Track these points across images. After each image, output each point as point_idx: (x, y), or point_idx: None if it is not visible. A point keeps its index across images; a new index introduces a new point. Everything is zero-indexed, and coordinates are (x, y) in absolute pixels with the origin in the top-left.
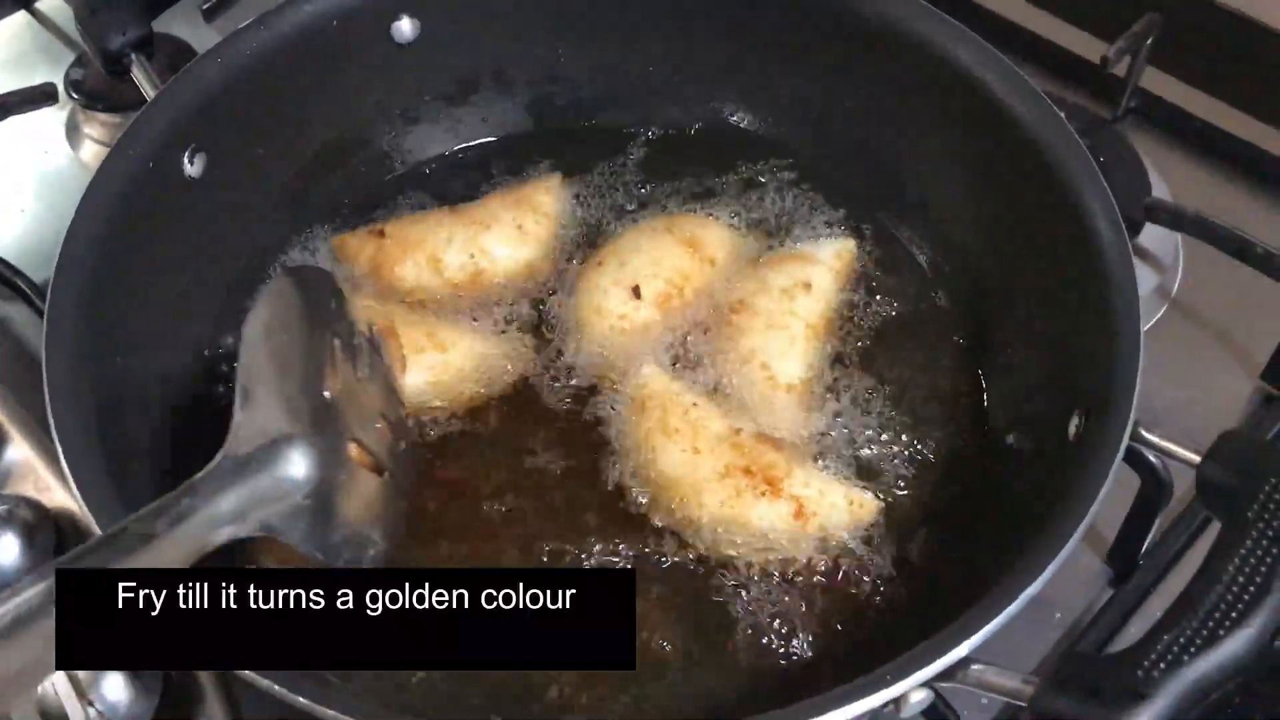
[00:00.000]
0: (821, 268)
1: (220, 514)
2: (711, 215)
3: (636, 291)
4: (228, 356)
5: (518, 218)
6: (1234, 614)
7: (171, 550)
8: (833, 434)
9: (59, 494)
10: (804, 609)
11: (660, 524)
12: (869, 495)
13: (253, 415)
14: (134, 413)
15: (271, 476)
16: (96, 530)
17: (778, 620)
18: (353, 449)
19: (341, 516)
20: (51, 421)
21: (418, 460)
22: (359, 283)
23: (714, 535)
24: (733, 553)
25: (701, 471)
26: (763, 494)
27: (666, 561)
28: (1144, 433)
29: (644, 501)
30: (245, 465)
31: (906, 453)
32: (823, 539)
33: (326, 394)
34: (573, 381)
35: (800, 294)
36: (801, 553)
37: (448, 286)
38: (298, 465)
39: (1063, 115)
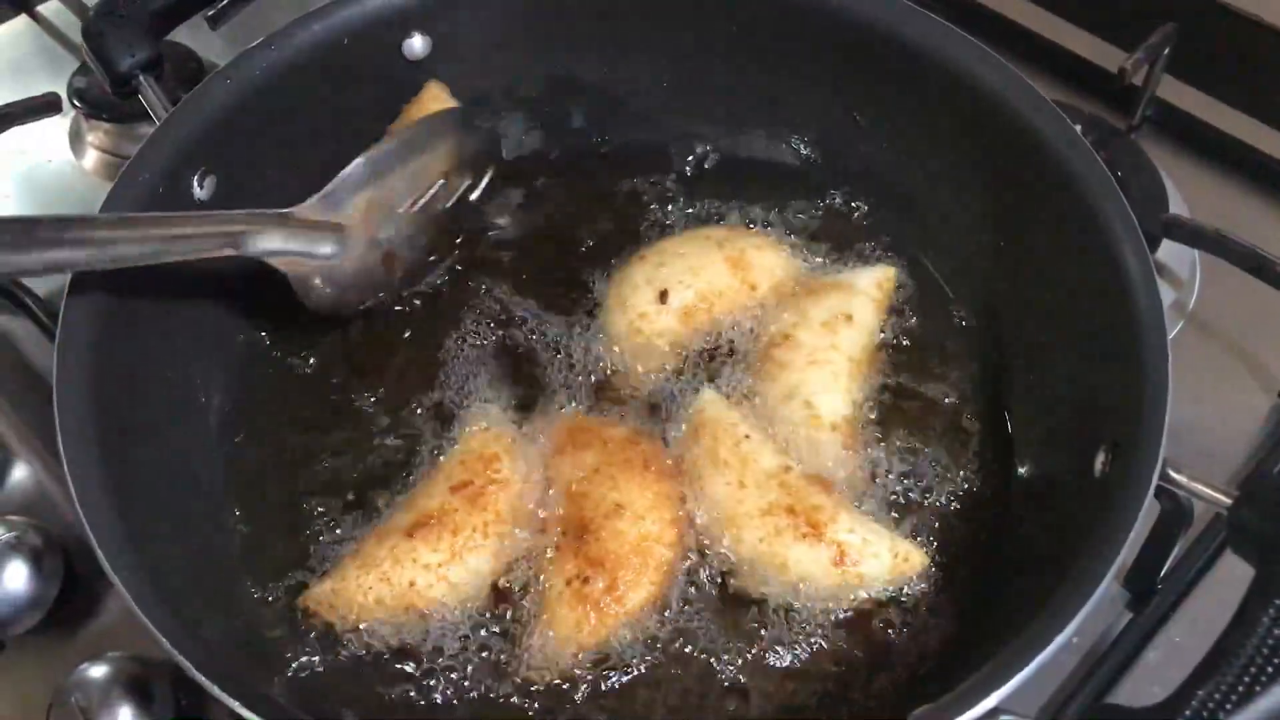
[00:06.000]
0: (862, 298)
1: (260, 244)
2: (767, 235)
3: (663, 296)
4: (238, 384)
5: None
6: (1270, 668)
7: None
8: (868, 472)
9: (67, 515)
10: (831, 653)
11: (703, 548)
12: (915, 549)
13: (331, 199)
14: (144, 442)
15: (314, 242)
16: (104, 559)
17: (799, 662)
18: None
19: (344, 271)
20: (64, 457)
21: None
22: None
23: (750, 570)
24: (765, 589)
25: (744, 506)
26: (804, 536)
27: (702, 585)
28: (1173, 473)
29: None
30: (304, 226)
31: (937, 489)
32: (860, 587)
33: (400, 209)
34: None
35: (842, 326)
36: (836, 598)
37: None
38: (337, 246)
39: (1079, 130)
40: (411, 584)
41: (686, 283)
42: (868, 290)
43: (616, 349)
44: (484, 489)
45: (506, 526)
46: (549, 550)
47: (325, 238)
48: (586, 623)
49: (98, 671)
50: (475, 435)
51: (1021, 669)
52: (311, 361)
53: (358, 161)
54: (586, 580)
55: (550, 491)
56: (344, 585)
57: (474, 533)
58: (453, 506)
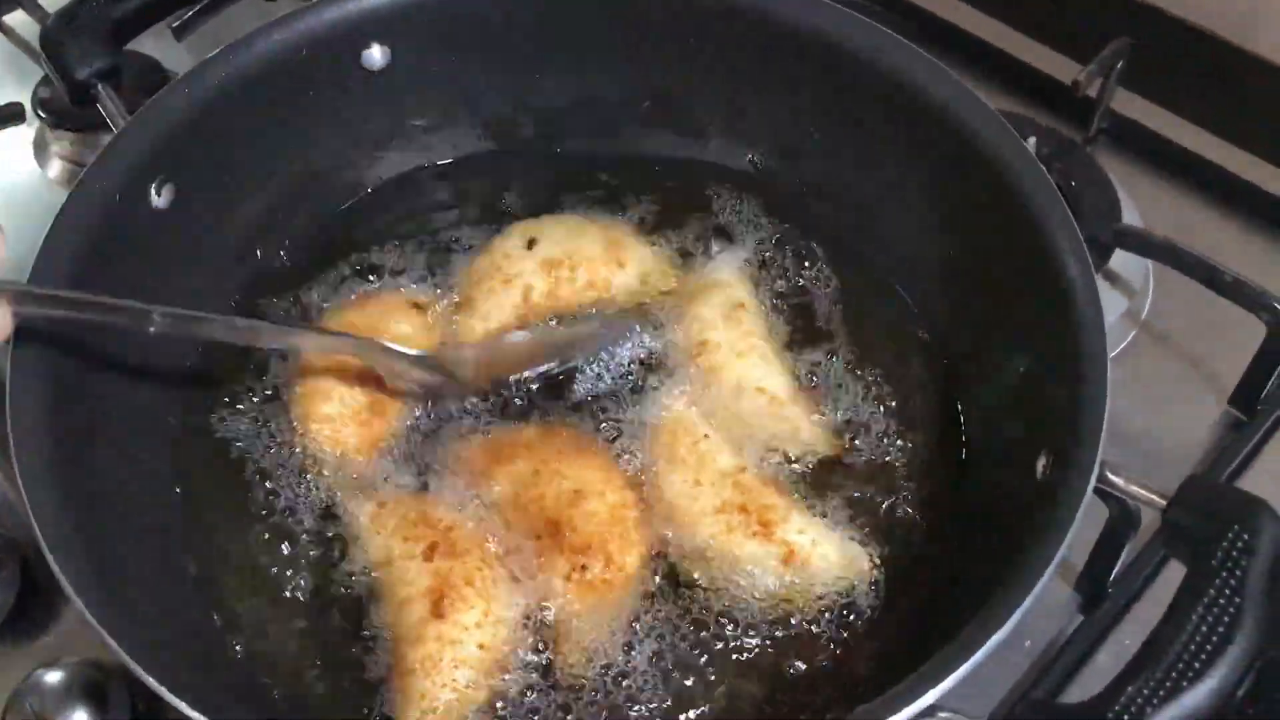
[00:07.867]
0: (737, 285)
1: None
2: (635, 232)
3: (531, 244)
4: (197, 388)
5: None
6: (1197, 664)
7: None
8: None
9: (23, 522)
10: (779, 650)
11: (658, 545)
12: (864, 551)
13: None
14: (104, 452)
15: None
16: (56, 568)
17: (749, 659)
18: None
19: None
20: (16, 469)
21: None
22: None
23: (703, 566)
24: (717, 585)
25: (699, 504)
26: (754, 534)
27: (655, 581)
28: (1110, 475)
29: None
30: (427, 365)
31: (889, 492)
32: (809, 586)
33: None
34: None
35: (742, 315)
36: (785, 596)
37: None
38: (443, 380)
39: (1031, 142)
40: (481, 646)
41: (556, 239)
42: (735, 278)
43: (475, 292)
44: (448, 541)
45: (493, 551)
46: (535, 563)
47: (439, 376)
48: (604, 605)
49: (53, 677)
50: (379, 517)
51: (957, 668)
52: None
53: (511, 336)
54: (584, 568)
55: (494, 514)
56: (431, 700)
57: (479, 570)
58: (445, 568)
